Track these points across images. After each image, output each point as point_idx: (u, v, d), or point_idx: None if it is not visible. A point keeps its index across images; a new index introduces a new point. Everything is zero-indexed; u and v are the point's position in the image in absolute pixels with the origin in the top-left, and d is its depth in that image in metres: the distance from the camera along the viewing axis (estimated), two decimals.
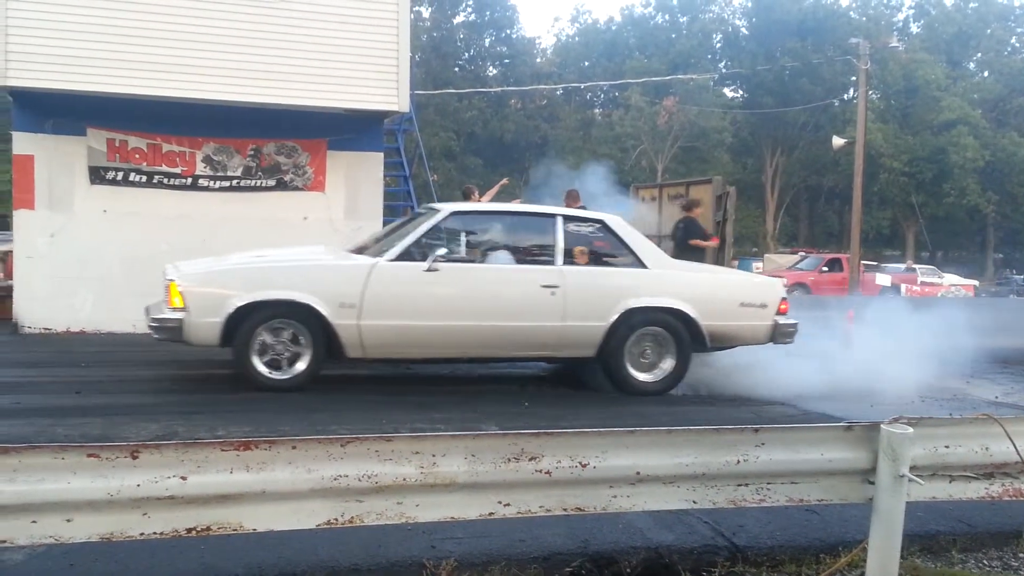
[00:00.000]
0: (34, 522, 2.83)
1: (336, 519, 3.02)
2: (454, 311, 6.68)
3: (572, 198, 12.02)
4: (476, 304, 6.72)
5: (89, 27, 8.90)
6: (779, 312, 7.20)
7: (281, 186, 10.36)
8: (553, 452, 3.11)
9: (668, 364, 7.03)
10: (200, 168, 10.09)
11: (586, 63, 46.99)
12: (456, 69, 42.53)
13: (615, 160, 33.42)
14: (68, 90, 8.99)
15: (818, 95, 39.67)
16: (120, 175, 9.81)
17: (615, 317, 6.83)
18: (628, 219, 7.67)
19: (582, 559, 3.43)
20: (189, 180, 10.05)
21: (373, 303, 6.49)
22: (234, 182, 10.20)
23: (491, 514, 3.04)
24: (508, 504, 3.06)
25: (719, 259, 10.00)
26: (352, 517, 3.02)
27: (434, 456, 3.05)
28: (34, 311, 9.60)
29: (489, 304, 6.74)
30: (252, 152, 10.27)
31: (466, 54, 44.71)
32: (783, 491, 3.24)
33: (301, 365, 6.46)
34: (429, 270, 6.60)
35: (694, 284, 7.18)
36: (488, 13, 44.45)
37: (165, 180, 9.93)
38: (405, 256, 6.71)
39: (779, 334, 7.18)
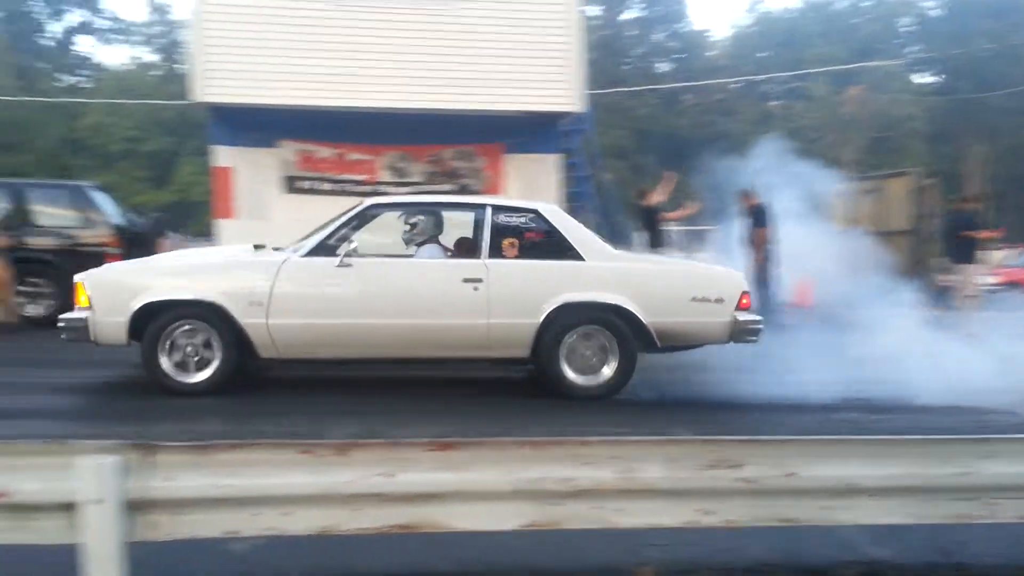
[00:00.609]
0: (256, 515, 3.00)
1: (536, 521, 3.03)
2: (368, 308, 6.28)
3: (747, 197, 11.66)
4: (391, 301, 6.31)
5: (278, 44, 9.42)
6: (739, 308, 6.51)
7: (460, 190, 10.63)
8: (756, 460, 3.00)
9: (611, 366, 6.40)
10: (383, 175, 10.49)
11: (763, 54, 45.58)
12: (626, 66, 42.30)
13: (796, 154, 32.12)
14: (261, 104, 9.53)
15: (1018, 78, 36.72)
16: (310, 184, 10.34)
17: (546, 314, 6.29)
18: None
19: (791, 572, 3.29)
20: (372, 187, 10.47)
21: (282, 301, 6.19)
22: (415, 187, 10.54)
23: (693, 522, 2.97)
24: (710, 512, 2.98)
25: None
26: (551, 520, 3.02)
27: (632, 462, 3.01)
28: None
29: (405, 300, 6.32)
30: (431, 158, 10.58)
31: (636, 51, 44.42)
32: (1014, 507, 2.99)
33: (212, 367, 6.17)
34: (341, 265, 6.25)
35: (638, 277, 6.53)
36: (657, 8, 43.99)
37: (350, 187, 10.39)
38: (318, 252, 6.36)
39: (739, 332, 6.49)
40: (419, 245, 6.75)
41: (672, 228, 12.93)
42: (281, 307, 6.17)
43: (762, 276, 11.87)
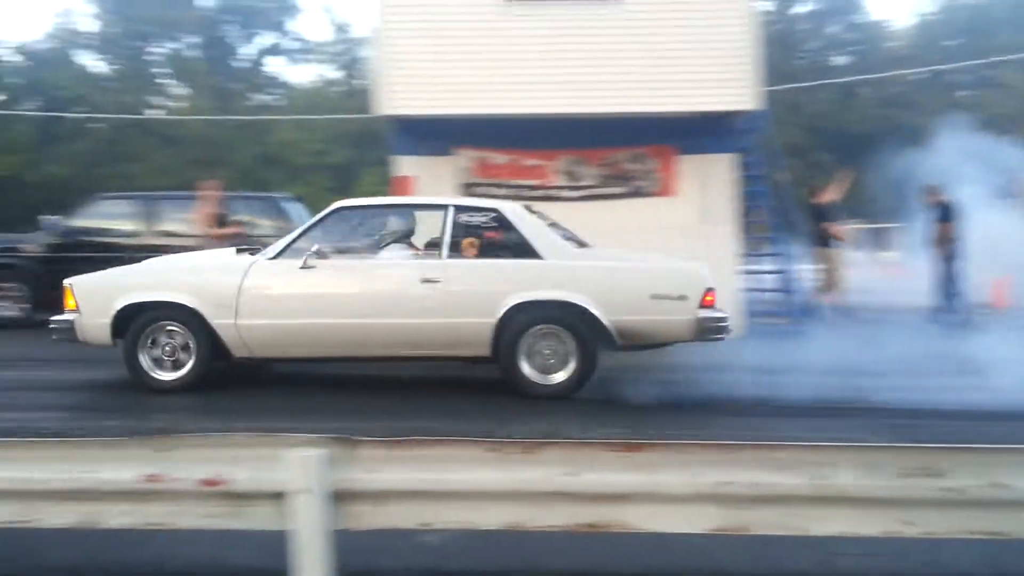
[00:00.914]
0: (448, 508, 3.12)
1: (723, 526, 2.99)
2: (330, 309, 6.46)
3: (932, 193, 11.11)
4: (352, 301, 6.48)
5: (455, 56, 9.68)
6: (703, 305, 6.34)
7: (633, 193, 10.59)
8: (960, 469, 2.85)
9: (570, 365, 6.33)
10: (556, 179, 10.60)
11: (949, 43, 42.83)
12: (800, 61, 40.82)
13: (990, 145, 29.95)
14: (439, 115, 9.84)
15: None
16: (486, 190, 10.59)
17: (502, 313, 6.30)
18: None
19: None
20: (547, 192, 10.60)
21: (249, 302, 6.44)
22: (588, 191, 10.59)
23: (893, 532, 2.85)
24: (910, 523, 2.85)
25: None
26: (739, 525, 2.98)
27: (825, 467, 2.92)
28: None
29: (366, 300, 6.47)
30: (604, 161, 10.60)
31: (810, 45, 42.79)
32: None
33: (187, 366, 6.49)
34: (304, 267, 6.46)
35: (596, 275, 6.45)
36: (832, 0, 42.23)
37: (525, 192, 10.56)
38: (284, 254, 6.62)
39: (704, 330, 6.32)
40: (386, 246, 6.84)
41: (853, 227, 12.40)
42: (248, 308, 6.45)
43: (948, 274, 11.25)
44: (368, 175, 33.95)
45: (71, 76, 40.83)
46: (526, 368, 6.40)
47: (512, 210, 6.85)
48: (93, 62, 42.80)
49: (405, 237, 6.99)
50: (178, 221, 11.20)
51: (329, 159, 36.41)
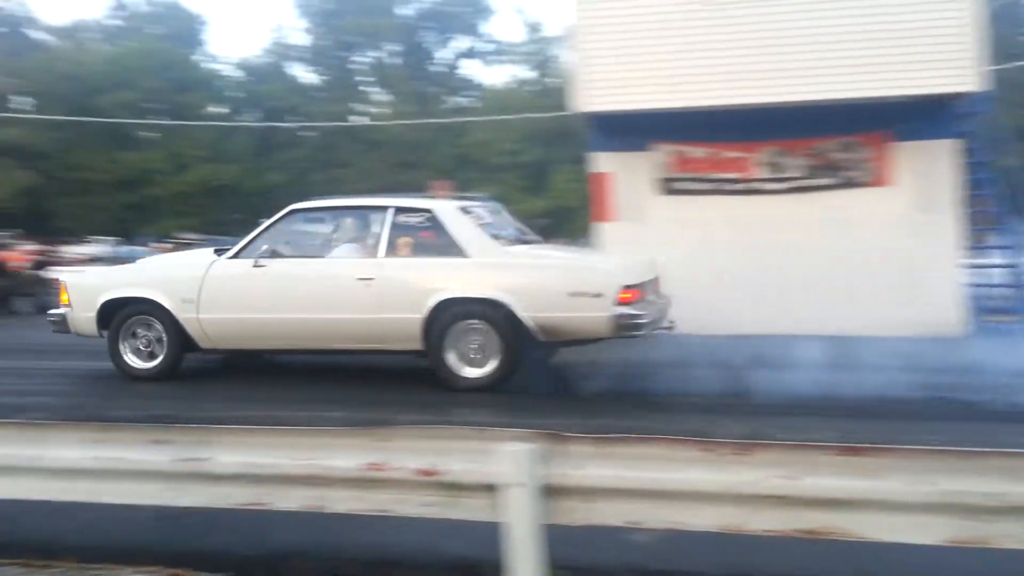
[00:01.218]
0: (657, 508, 3.08)
1: (958, 537, 2.79)
2: (278, 304, 6.90)
3: None
4: (297, 298, 6.89)
5: (651, 50, 9.55)
6: (619, 302, 6.37)
7: (842, 184, 10.07)
8: None
9: (494, 359, 6.55)
10: (759, 172, 10.25)
11: None
12: None
13: None
14: (637, 110, 9.74)
15: None
16: (685, 185, 10.39)
17: (429, 309, 6.58)
18: None
19: None
20: (749, 185, 10.28)
21: (208, 298, 6.97)
22: (793, 183, 10.17)
23: None
24: None
25: None
26: (978, 537, 2.76)
27: None
28: None
29: (309, 297, 6.87)
30: (811, 151, 10.14)
31: None
32: None
33: (160, 357, 7.11)
34: (256, 266, 6.93)
35: (516, 273, 6.64)
36: None
37: (726, 186, 10.28)
38: (241, 254, 7.08)
39: (620, 326, 6.38)
40: (339, 246, 7.16)
41: None
42: (208, 303, 7.00)
43: None
44: (560, 173, 34.25)
45: (285, 88, 43.79)
46: (452, 361, 6.64)
47: (444, 210, 7.01)
48: (304, 74, 45.69)
49: (356, 237, 7.23)
50: None
51: (522, 158, 37.02)
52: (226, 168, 40.01)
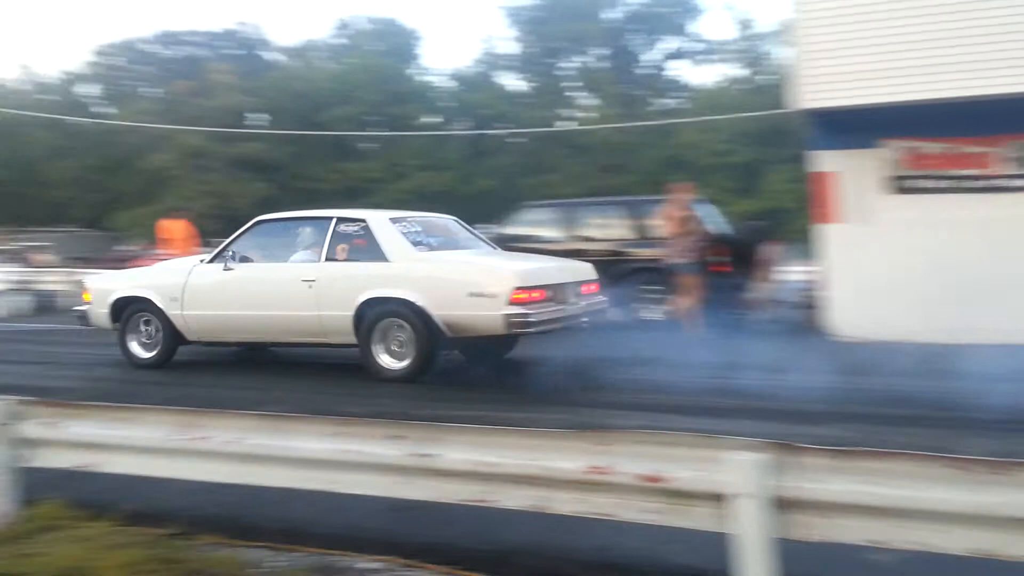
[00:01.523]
0: (903, 527, 2.88)
1: None
2: (242, 303, 7.96)
3: None
4: (255, 297, 7.91)
5: (882, 40, 9.01)
6: (511, 302, 7.04)
7: None
8: None
9: (411, 353, 7.31)
10: (1003, 168, 9.43)
11: None
12: None
13: None
14: (864, 105, 9.22)
15: None
16: (919, 183, 9.74)
17: (356, 307, 7.41)
18: None
19: None
20: (991, 182, 9.48)
21: (189, 297, 8.18)
22: None
23: None
24: None
25: None
26: None
27: None
28: (844, 321, 9.91)
29: (264, 297, 7.87)
30: None
31: None
32: None
33: (157, 349, 8.39)
34: (225, 270, 8.07)
35: (427, 275, 7.37)
36: None
37: (966, 183, 9.54)
38: (215, 259, 8.24)
39: (511, 324, 7.04)
40: (297, 252, 8.03)
41: None
42: (189, 302, 8.20)
43: None
44: (774, 173, 33.08)
45: (494, 96, 45.01)
46: (378, 354, 7.46)
47: (375, 219, 7.86)
48: (513, 81, 46.79)
49: (314, 244, 7.98)
50: (594, 226, 11.74)
51: (732, 159, 36.08)
52: (440, 176, 41.62)
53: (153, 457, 3.91)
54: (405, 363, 7.39)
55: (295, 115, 44.93)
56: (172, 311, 8.30)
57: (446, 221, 8.93)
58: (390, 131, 42.29)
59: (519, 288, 7.16)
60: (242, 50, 56.56)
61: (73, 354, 9.94)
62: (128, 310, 8.51)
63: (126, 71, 57.18)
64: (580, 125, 40.86)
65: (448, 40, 76.65)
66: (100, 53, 57.23)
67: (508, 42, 46.65)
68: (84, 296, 9.00)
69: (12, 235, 40.68)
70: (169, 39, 56.88)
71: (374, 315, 7.43)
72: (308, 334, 7.89)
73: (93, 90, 58.39)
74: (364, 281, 7.53)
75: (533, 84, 45.58)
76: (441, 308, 7.25)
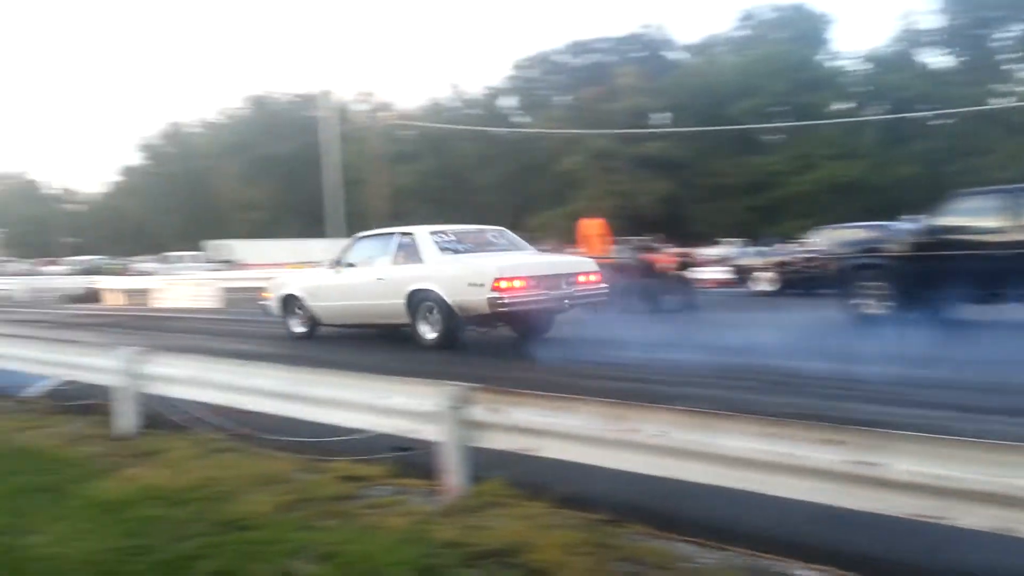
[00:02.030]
0: None
1: None
2: (343, 296, 11.38)
3: None
4: (350, 291, 11.25)
5: None
6: (492, 289, 9.52)
7: None
8: None
9: (439, 328, 10.11)
10: None
11: None
12: None
13: None
14: None
15: None
16: None
17: (405, 296, 10.36)
18: None
19: None
20: None
21: (321, 292, 11.75)
22: None
23: None
24: None
25: None
26: None
27: None
28: None
29: (355, 291, 11.16)
30: None
31: None
32: None
33: (305, 328, 11.99)
34: (336, 273, 11.57)
35: (444, 272, 10.12)
36: None
37: None
38: (333, 265, 11.79)
39: (493, 306, 9.54)
40: (381, 257, 11.04)
41: None
42: (321, 296, 11.65)
43: None
44: None
45: (914, 76, 41.39)
46: (420, 329, 10.31)
47: (420, 233, 10.73)
48: (936, 58, 42.64)
49: (385, 252, 11.03)
50: None
51: None
52: (851, 165, 39.27)
53: (585, 445, 4.06)
54: (436, 335, 10.24)
55: (697, 112, 45.11)
56: (310, 303, 11.97)
57: (486, 232, 11.61)
58: (797, 121, 40.76)
59: (498, 279, 9.66)
60: (645, 52, 58.17)
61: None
62: (288, 302, 12.31)
63: (540, 82, 61.69)
64: (1019, 101, 36.06)
65: (861, 21, 71.93)
66: (517, 67, 62.36)
67: (931, 15, 42.60)
68: (264, 295, 13.10)
69: None
70: (578, 48, 60.26)
71: (416, 301, 10.37)
72: (381, 317, 11.00)
73: (511, 102, 63.78)
74: (410, 278, 10.43)
75: (961, 59, 41.17)
76: (453, 295, 10.01)
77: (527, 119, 60.05)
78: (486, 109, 61.97)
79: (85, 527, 4.32)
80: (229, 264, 42.46)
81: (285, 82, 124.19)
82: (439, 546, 3.82)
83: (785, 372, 7.84)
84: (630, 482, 4.24)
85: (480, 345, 10.69)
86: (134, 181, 78.94)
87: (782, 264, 18.95)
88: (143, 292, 23.03)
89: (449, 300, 9.97)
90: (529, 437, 4.26)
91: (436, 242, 10.55)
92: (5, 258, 67.11)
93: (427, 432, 4.63)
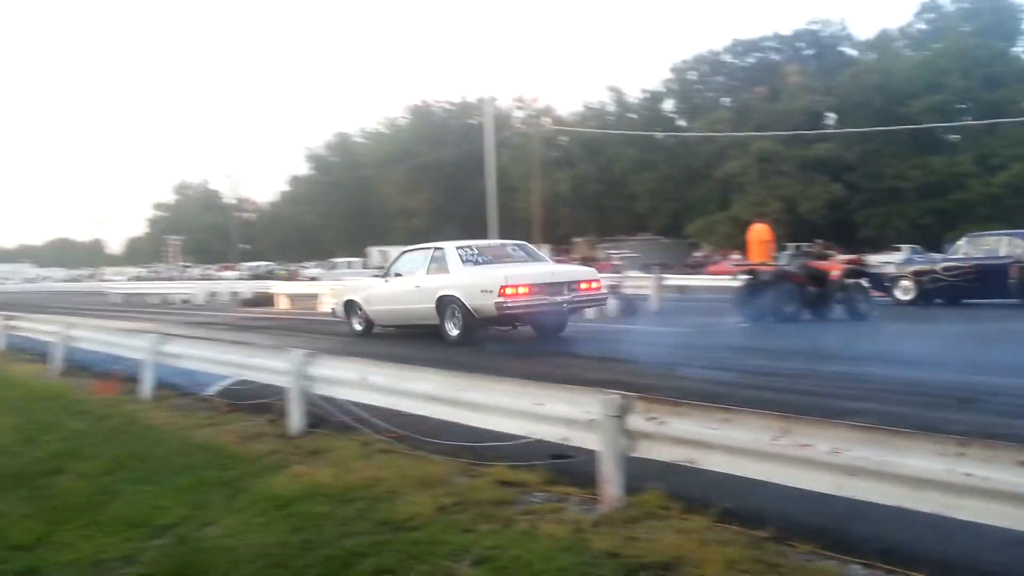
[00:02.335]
0: None
1: None
2: (390, 301, 13.55)
3: None
4: (395, 297, 13.36)
5: None
6: (499, 295, 11.46)
7: None
8: None
9: (460, 326, 12.07)
10: None
11: None
12: None
13: None
14: None
15: None
16: None
17: (435, 300, 12.33)
18: None
19: None
20: None
21: (373, 298, 13.98)
22: None
23: None
24: None
25: None
26: None
27: None
28: None
29: (399, 297, 13.26)
30: None
31: None
32: None
33: (362, 326, 14.31)
34: (386, 281, 13.81)
35: (463, 281, 12.08)
36: None
37: None
38: (384, 275, 14.19)
39: (499, 308, 11.52)
40: (416, 269, 13.29)
41: None
42: (374, 301, 13.86)
43: None
44: None
45: None
46: (448, 327, 12.27)
47: (448, 247, 12.88)
48: None
49: (422, 264, 13.08)
50: None
51: None
52: None
53: (750, 459, 3.89)
54: (457, 332, 12.15)
55: (870, 111, 43.03)
56: (366, 307, 14.12)
57: (507, 245, 13.98)
58: (982, 119, 38.15)
59: (504, 286, 11.57)
60: (813, 49, 56.02)
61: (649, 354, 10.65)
62: (349, 305, 14.46)
63: (700, 84, 60.49)
64: None
65: None
66: (675, 69, 61.36)
67: None
68: (333, 300, 16.06)
69: (596, 244, 45.58)
70: (742, 47, 58.69)
71: (443, 304, 12.33)
72: (419, 318, 12.97)
73: (669, 105, 62.87)
74: (439, 286, 12.43)
75: None
76: (470, 300, 11.91)
77: (687, 123, 59.06)
78: (644, 113, 61.38)
79: (257, 521, 4.52)
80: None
81: (444, 90, 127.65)
82: (597, 556, 3.76)
83: (964, 387, 7.32)
84: (792, 498, 4.04)
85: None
86: (301, 190, 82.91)
87: (920, 273, 17.72)
88: (311, 297, 24.07)
89: (468, 304, 11.93)
90: (690, 448, 4.13)
91: (460, 255, 12.65)
92: (184, 264, 72.11)
93: (584, 440, 4.57)
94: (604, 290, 13.30)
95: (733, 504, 4.21)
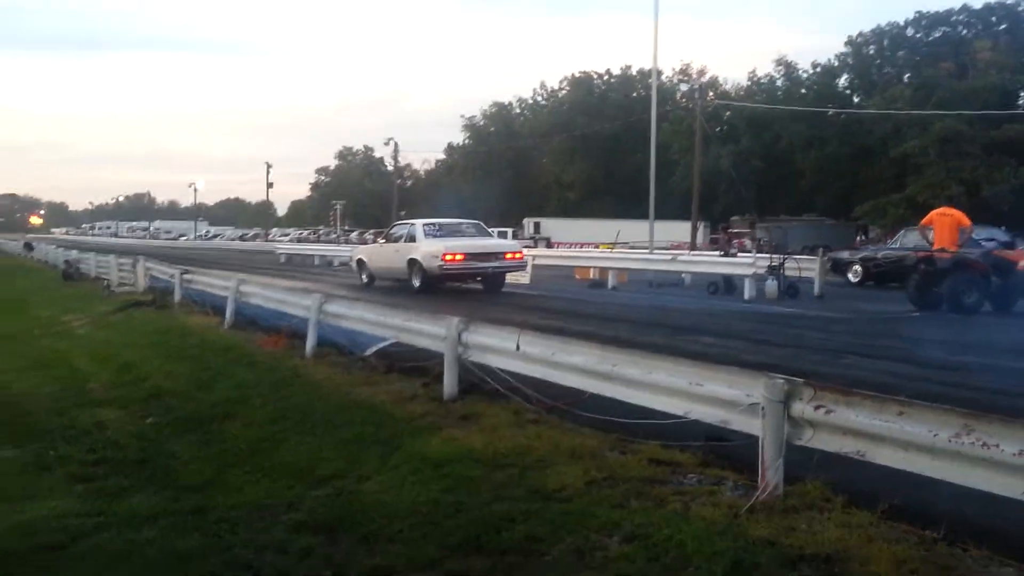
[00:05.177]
0: None
1: None
2: (382, 260, 17.95)
3: None
4: (385, 257, 17.80)
5: None
6: (441, 259, 15.65)
7: None
8: None
9: (420, 280, 16.17)
10: None
11: None
12: None
13: None
14: None
15: None
16: None
17: (406, 262, 16.50)
18: None
19: None
20: None
21: (372, 258, 18.67)
22: None
23: None
24: None
25: None
26: None
27: None
28: None
29: (387, 257, 17.64)
30: None
31: None
32: None
33: (368, 279, 18.61)
34: (380, 245, 18.76)
35: (424, 249, 16.09)
36: None
37: None
38: (379, 239, 21.01)
39: (440, 268, 15.75)
40: (401, 238, 17.89)
41: None
42: (372, 260, 18.69)
43: None
44: None
45: None
46: (413, 280, 16.45)
47: (417, 224, 17.70)
48: None
49: (405, 235, 17.59)
50: None
51: None
52: None
53: (926, 455, 3.64)
54: (419, 284, 16.12)
55: None
56: (368, 265, 18.47)
57: (465, 224, 18.05)
58: None
59: (444, 254, 15.72)
60: (1006, 23, 51.98)
61: (819, 339, 10.19)
62: (360, 263, 19.31)
63: (878, 58, 57.27)
64: None
65: None
66: (851, 43, 58.27)
67: None
68: (354, 260, 20.29)
69: (755, 223, 44.05)
70: (925, 21, 55.14)
71: (411, 264, 16.31)
72: (399, 274, 16.91)
73: (843, 80, 59.85)
74: (409, 251, 16.54)
75: None
76: (425, 262, 15.89)
77: (861, 98, 56.11)
78: (815, 88, 58.73)
79: (411, 479, 4.62)
80: (535, 241, 44.12)
81: (606, 61, 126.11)
82: (754, 543, 3.63)
83: None
84: (966, 498, 3.75)
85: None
86: (457, 159, 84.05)
87: None
88: None
89: (424, 265, 16.07)
90: (859, 440, 3.90)
91: (424, 230, 17.06)
92: (346, 228, 74.67)
93: (745, 424, 4.40)
94: (524, 259, 18.27)
95: (900, 501, 3.97)
